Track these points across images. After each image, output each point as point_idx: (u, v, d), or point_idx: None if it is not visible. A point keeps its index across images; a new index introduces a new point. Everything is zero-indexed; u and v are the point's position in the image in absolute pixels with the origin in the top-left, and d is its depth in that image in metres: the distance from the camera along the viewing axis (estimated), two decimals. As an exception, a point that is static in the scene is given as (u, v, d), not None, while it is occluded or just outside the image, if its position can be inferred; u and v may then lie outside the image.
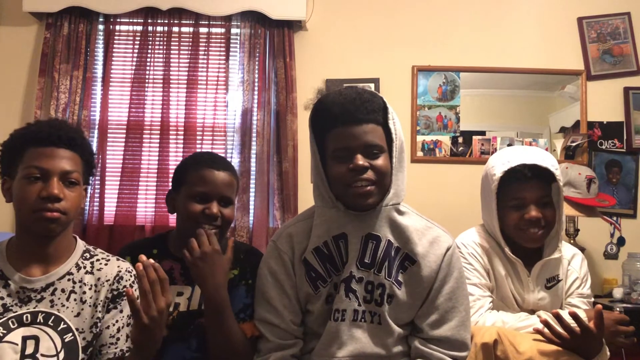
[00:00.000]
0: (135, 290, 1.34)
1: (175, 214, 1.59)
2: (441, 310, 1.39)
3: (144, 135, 3.11)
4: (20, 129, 1.35)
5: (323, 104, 1.41)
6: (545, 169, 1.61)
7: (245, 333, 1.46)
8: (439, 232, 1.47)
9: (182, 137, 3.11)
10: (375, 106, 1.37)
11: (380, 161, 1.36)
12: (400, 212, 1.44)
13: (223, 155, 3.09)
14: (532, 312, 1.64)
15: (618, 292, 2.71)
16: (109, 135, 3.12)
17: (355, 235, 1.41)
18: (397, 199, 1.43)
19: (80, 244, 1.41)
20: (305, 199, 3.07)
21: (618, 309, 2.52)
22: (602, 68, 3.25)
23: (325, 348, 1.39)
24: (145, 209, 3.07)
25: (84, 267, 1.37)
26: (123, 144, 3.10)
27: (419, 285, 1.40)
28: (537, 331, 1.45)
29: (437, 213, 3.12)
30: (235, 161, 3.08)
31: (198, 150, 3.09)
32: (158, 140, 3.10)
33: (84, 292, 1.34)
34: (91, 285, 1.35)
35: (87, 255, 1.40)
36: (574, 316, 1.40)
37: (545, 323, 1.43)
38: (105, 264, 1.39)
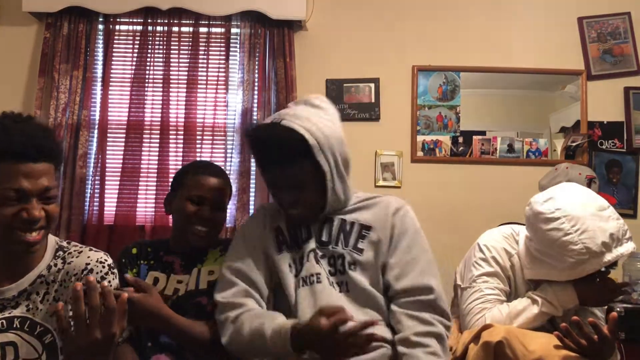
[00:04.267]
0: (109, 283, 1.28)
1: (171, 215, 1.72)
2: (401, 264, 1.45)
3: (144, 135, 3.11)
4: None
5: (251, 142, 1.48)
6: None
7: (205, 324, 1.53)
8: (387, 198, 1.55)
9: (182, 137, 3.10)
10: (293, 146, 1.39)
11: (306, 196, 1.44)
12: (346, 205, 1.52)
13: (223, 154, 3.11)
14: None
15: (618, 292, 2.70)
16: (109, 135, 3.12)
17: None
18: (338, 205, 1.51)
19: (52, 243, 1.31)
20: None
21: (618, 309, 2.52)
22: (603, 68, 3.25)
23: (306, 311, 1.39)
24: (145, 209, 3.07)
25: (56, 266, 1.28)
26: (123, 144, 3.10)
27: (380, 247, 1.46)
28: (558, 336, 1.44)
29: (437, 213, 3.15)
30: (235, 161, 3.08)
31: (198, 150, 3.10)
32: (158, 140, 3.09)
33: (56, 290, 1.26)
34: (62, 281, 1.27)
35: (60, 252, 1.30)
36: (594, 325, 1.40)
37: (566, 330, 1.43)
38: (77, 257, 1.29)
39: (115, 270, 1.34)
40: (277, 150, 1.40)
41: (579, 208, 1.52)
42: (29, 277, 1.25)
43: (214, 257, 1.67)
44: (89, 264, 1.28)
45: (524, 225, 1.74)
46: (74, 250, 1.31)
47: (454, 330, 1.66)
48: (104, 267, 1.29)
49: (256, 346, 1.36)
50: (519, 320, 1.55)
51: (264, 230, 1.52)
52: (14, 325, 1.22)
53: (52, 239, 1.31)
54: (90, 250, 1.32)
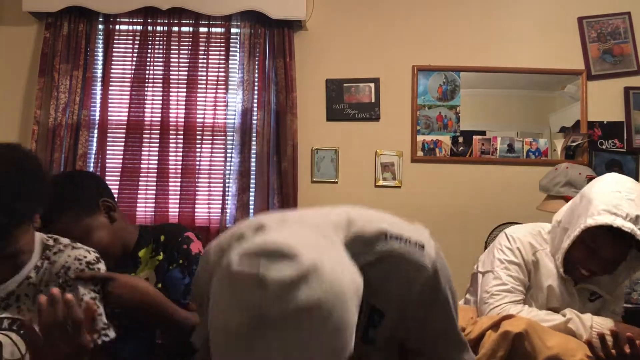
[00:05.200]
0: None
1: None
2: (429, 347, 1.10)
3: (144, 135, 3.11)
4: None
5: None
6: None
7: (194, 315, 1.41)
8: (406, 263, 1.00)
9: (182, 137, 3.11)
10: None
11: None
12: None
13: (223, 154, 3.10)
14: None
15: (618, 292, 2.70)
16: (108, 135, 3.12)
17: None
18: None
19: (38, 241, 1.28)
20: (305, 199, 3.07)
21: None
22: (603, 68, 3.25)
23: None
24: (145, 208, 3.07)
25: (42, 267, 1.27)
26: (123, 144, 3.10)
27: (397, 326, 1.07)
28: (588, 342, 1.43)
29: (437, 213, 3.16)
30: (235, 161, 3.08)
31: (198, 150, 3.10)
32: (158, 140, 3.10)
33: (41, 292, 1.24)
34: (47, 281, 1.26)
35: (47, 252, 1.29)
36: (631, 341, 1.38)
37: (602, 338, 1.41)
38: (60, 256, 1.28)
39: (97, 266, 1.29)
40: None
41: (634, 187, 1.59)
42: (16, 280, 1.24)
43: (146, 261, 1.54)
44: (67, 261, 1.26)
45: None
46: (58, 250, 1.29)
47: (467, 315, 1.63)
48: (80, 263, 1.27)
49: None
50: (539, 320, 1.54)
51: None
52: (3, 326, 1.22)
53: (38, 238, 1.29)
54: (73, 248, 1.30)
